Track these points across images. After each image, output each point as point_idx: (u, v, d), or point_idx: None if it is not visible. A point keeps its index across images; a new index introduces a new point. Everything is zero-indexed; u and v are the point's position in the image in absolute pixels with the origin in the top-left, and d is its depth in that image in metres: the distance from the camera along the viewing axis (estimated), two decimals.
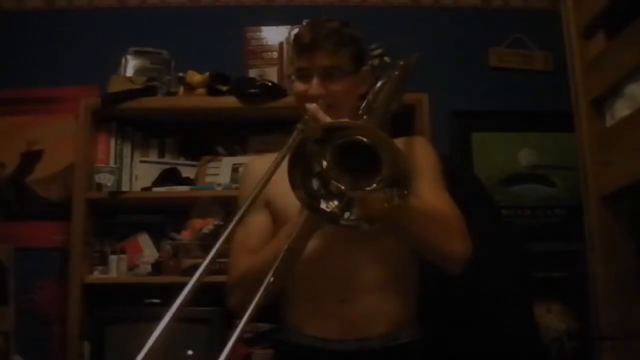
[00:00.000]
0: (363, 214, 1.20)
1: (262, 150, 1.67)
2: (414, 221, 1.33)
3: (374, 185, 1.18)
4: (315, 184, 1.20)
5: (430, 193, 1.42)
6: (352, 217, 1.20)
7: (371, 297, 1.43)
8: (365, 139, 1.15)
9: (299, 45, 1.47)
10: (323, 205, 1.20)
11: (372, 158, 1.16)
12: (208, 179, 2.68)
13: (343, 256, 1.44)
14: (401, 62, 1.67)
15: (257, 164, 1.58)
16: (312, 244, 1.43)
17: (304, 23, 2.74)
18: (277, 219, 1.49)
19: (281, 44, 2.86)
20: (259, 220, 1.48)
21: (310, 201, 1.20)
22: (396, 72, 1.62)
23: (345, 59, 1.45)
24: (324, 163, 1.20)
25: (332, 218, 1.21)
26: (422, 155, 1.52)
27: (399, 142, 1.56)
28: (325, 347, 1.42)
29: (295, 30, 1.59)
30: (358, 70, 1.49)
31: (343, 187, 1.20)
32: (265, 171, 1.38)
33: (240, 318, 1.09)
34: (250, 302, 1.46)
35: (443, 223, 1.37)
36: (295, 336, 1.47)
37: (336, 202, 1.20)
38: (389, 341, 1.43)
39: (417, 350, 1.48)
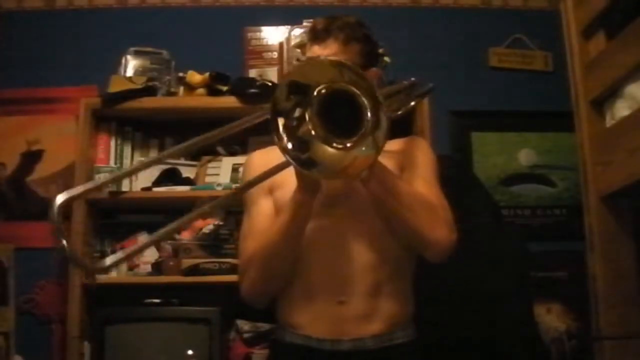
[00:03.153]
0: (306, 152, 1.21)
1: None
2: (402, 203, 1.37)
3: (342, 145, 1.20)
4: (297, 112, 1.21)
5: (420, 185, 1.45)
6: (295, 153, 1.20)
7: (367, 298, 1.43)
8: (351, 88, 1.18)
9: (312, 31, 1.50)
10: (281, 130, 1.21)
11: (355, 123, 1.18)
12: (208, 179, 2.68)
13: (341, 258, 1.44)
14: (413, 79, 1.69)
15: (259, 156, 1.59)
16: (310, 246, 1.44)
17: (304, 23, 2.78)
18: (277, 207, 1.49)
19: (281, 44, 2.86)
20: (263, 207, 1.49)
21: (276, 112, 1.21)
22: (404, 82, 1.64)
23: (354, 53, 1.47)
24: (313, 102, 1.21)
25: (280, 139, 1.21)
26: (418, 154, 1.55)
27: (398, 143, 1.57)
28: (320, 347, 1.43)
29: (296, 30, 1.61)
30: (365, 68, 1.49)
31: (313, 133, 1.21)
32: (267, 164, 1.39)
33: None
34: (260, 286, 1.46)
35: (429, 209, 1.40)
36: (290, 336, 1.48)
37: (292, 142, 1.21)
38: (384, 341, 1.44)
39: (413, 351, 1.49)
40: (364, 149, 1.19)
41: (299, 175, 1.33)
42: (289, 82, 1.21)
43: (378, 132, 1.17)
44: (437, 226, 1.40)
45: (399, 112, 1.69)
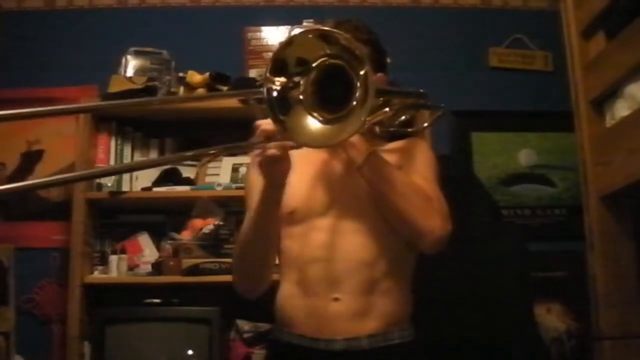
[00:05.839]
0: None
1: None
2: (395, 190, 1.38)
3: (321, 118, 1.22)
4: (295, 78, 1.22)
5: (417, 180, 1.45)
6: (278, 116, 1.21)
7: (361, 295, 1.42)
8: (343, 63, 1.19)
9: None
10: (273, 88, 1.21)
11: (342, 102, 1.20)
12: (208, 179, 2.69)
13: (335, 255, 1.44)
14: (422, 90, 1.69)
15: None
16: (306, 245, 1.45)
17: (304, 23, 2.78)
18: None
19: None
20: None
21: (275, 68, 1.21)
22: (411, 90, 1.64)
23: None
24: (313, 70, 1.22)
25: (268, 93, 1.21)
26: (417, 154, 1.55)
27: (397, 144, 1.58)
28: (314, 346, 1.42)
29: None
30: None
31: (301, 97, 1.22)
32: None
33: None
34: (241, 278, 1.50)
35: (424, 199, 1.41)
36: (286, 335, 1.48)
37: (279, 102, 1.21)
38: (379, 341, 1.42)
39: (410, 352, 1.47)
40: (337, 127, 1.21)
41: (262, 171, 1.34)
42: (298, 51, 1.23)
43: (354, 119, 1.18)
44: (431, 215, 1.39)
45: (410, 130, 1.70)
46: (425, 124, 1.86)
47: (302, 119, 1.22)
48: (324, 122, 1.22)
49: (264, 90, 1.21)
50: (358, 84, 1.18)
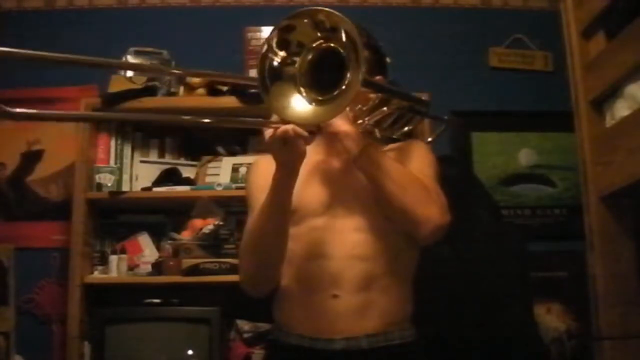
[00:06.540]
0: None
1: (262, 151, 1.67)
2: (392, 180, 1.38)
3: (306, 96, 1.25)
4: (291, 56, 1.26)
5: (418, 175, 1.45)
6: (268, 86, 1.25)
7: (360, 292, 1.42)
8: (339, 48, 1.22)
9: None
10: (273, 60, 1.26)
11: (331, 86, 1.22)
12: (208, 179, 2.68)
13: (334, 252, 1.44)
14: (424, 98, 1.69)
15: (264, 162, 1.59)
16: (306, 244, 1.45)
17: None
18: None
19: None
20: None
21: (270, 44, 1.25)
22: (411, 94, 1.65)
23: None
24: (312, 50, 1.26)
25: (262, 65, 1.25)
26: (416, 154, 1.55)
27: (397, 146, 1.58)
28: (313, 346, 1.42)
29: None
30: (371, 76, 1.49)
31: (294, 73, 1.26)
32: (272, 171, 1.40)
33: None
34: (253, 274, 1.47)
35: (421, 189, 1.41)
36: (285, 335, 1.48)
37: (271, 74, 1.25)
38: (379, 341, 1.42)
39: (411, 352, 1.47)
40: (321, 109, 1.23)
41: (274, 154, 1.33)
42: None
43: (338, 102, 1.20)
44: (429, 204, 1.39)
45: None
46: (430, 139, 1.86)
47: (288, 93, 1.25)
48: (310, 101, 1.24)
49: (260, 55, 1.24)
50: (349, 74, 1.19)
